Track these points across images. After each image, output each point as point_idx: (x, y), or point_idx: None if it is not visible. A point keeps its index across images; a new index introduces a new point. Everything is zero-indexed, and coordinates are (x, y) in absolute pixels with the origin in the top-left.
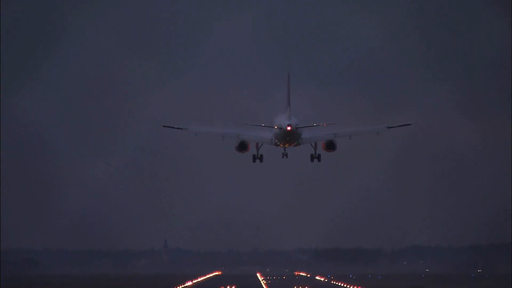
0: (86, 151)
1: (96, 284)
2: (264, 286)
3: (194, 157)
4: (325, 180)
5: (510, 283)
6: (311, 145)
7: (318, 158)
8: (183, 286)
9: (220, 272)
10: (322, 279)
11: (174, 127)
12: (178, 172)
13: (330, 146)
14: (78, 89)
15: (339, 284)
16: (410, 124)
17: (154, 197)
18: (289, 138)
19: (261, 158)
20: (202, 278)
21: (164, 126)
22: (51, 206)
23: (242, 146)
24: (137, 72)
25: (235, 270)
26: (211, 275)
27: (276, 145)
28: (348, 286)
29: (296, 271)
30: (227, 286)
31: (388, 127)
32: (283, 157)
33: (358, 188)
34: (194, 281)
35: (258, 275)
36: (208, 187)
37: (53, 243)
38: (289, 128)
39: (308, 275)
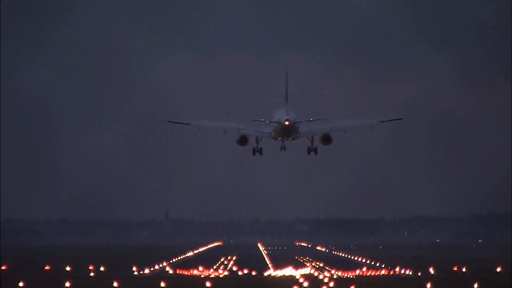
0: (88, 122)
1: (98, 255)
2: (265, 256)
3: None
4: (326, 153)
5: (511, 253)
6: (308, 138)
7: (315, 151)
8: (184, 256)
9: (221, 243)
10: (323, 249)
11: (178, 122)
12: (181, 144)
13: (326, 139)
14: (82, 56)
15: (340, 254)
16: (401, 118)
17: (155, 167)
18: (288, 132)
19: (260, 151)
20: (203, 249)
21: (168, 121)
22: (53, 177)
23: (243, 140)
24: (141, 41)
25: (236, 240)
26: (212, 245)
27: (275, 138)
28: (348, 256)
29: (297, 242)
30: (228, 257)
31: (381, 121)
32: (281, 150)
33: (359, 159)
34: (195, 252)
35: (259, 245)
36: (210, 158)
37: (55, 213)
38: (287, 122)
39: (309, 246)
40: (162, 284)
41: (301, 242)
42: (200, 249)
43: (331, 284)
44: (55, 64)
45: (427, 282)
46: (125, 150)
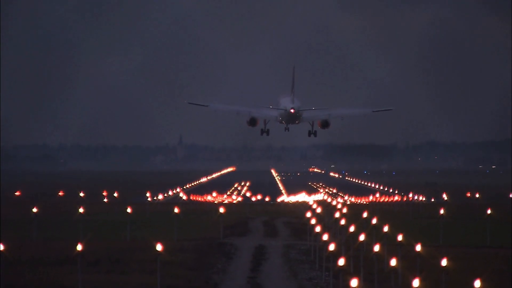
0: (103, 46)
1: (111, 180)
2: (278, 182)
3: (209, 53)
4: (339, 73)
5: None
6: (309, 123)
7: (315, 134)
8: (198, 182)
9: (234, 168)
10: (336, 175)
11: (198, 104)
12: (195, 68)
13: (325, 124)
14: None
15: (353, 180)
16: (391, 109)
17: (170, 92)
18: (292, 118)
19: (267, 132)
20: (216, 174)
21: (189, 103)
22: (67, 103)
23: (252, 122)
24: None
25: (249, 166)
26: (225, 171)
27: (281, 122)
28: (362, 182)
29: (311, 168)
30: (241, 182)
31: (373, 111)
32: (285, 131)
33: (373, 83)
34: (209, 177)
35: (272, 171)
36: (223, 82)
37: (68, 139)
38: (292, 110)
39: (322, 171)
40: (176, 210)
41: (314, 168)
42: (214, 175)
43: (344, 210)
44: None
45: (441, 208)
46: (139, 76)
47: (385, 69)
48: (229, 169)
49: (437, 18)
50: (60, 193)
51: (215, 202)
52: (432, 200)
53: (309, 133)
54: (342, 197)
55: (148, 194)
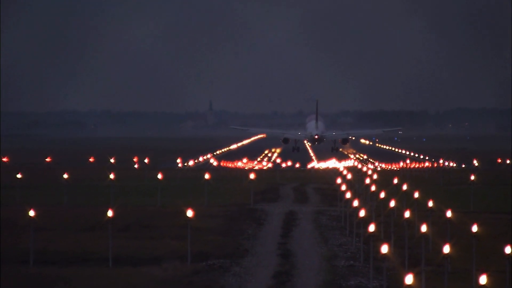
0: (133, 12)
1: (142, 146)
2: (308, 148)
3: (243, 23)
4: (369, 41)
5: None
6: (332, 141)
7: (336, 149)
8: (228, 148)
9: (265, 135)
10: (367, 142)
11: (240, 128)
12: (225, 33)
13: (345, 141)
14: None
15: (384, 146)
16: (400, 129)
17: (200, 58)
18: (317, 141)
19: (298, 149)
20: (247, 141)
21: (231, 127)
22: (97, 69)
23: (285, 141)
24: None
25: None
26: (256, 137)
27: (308, 142)
28: (392, 149)
29: None
30: (272, 149)
31: (383, 130)
32: (313, 144)
33: (403, 50)
34: (239, 144)
35: None
36: (256, 46)
37: (98, 105)
38: (316, 136)
39: (353, 138)
40: (207, 176)
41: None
42: (244, 142)
43: (375, 176)
44: None
45: (471, 174)
46: (169, 41)
47: (418, 38)
48: (260, 136)
49: None
50: (91, 159)
51: (246, 168)
52: (463, 166)
53: (332, 149)
54: (373, 163)
55: (178, 160)
